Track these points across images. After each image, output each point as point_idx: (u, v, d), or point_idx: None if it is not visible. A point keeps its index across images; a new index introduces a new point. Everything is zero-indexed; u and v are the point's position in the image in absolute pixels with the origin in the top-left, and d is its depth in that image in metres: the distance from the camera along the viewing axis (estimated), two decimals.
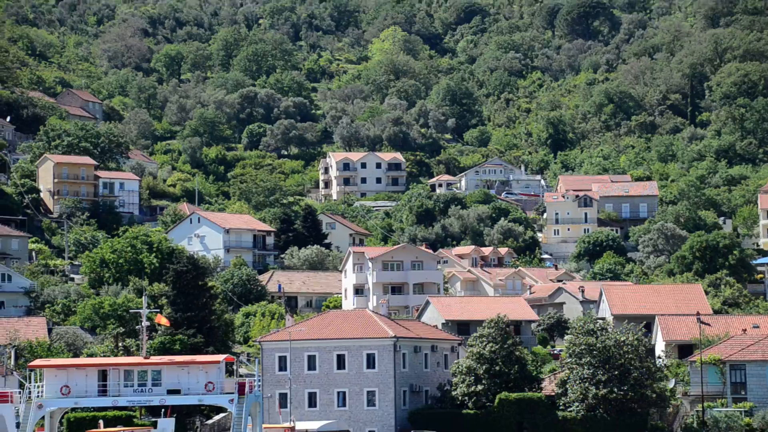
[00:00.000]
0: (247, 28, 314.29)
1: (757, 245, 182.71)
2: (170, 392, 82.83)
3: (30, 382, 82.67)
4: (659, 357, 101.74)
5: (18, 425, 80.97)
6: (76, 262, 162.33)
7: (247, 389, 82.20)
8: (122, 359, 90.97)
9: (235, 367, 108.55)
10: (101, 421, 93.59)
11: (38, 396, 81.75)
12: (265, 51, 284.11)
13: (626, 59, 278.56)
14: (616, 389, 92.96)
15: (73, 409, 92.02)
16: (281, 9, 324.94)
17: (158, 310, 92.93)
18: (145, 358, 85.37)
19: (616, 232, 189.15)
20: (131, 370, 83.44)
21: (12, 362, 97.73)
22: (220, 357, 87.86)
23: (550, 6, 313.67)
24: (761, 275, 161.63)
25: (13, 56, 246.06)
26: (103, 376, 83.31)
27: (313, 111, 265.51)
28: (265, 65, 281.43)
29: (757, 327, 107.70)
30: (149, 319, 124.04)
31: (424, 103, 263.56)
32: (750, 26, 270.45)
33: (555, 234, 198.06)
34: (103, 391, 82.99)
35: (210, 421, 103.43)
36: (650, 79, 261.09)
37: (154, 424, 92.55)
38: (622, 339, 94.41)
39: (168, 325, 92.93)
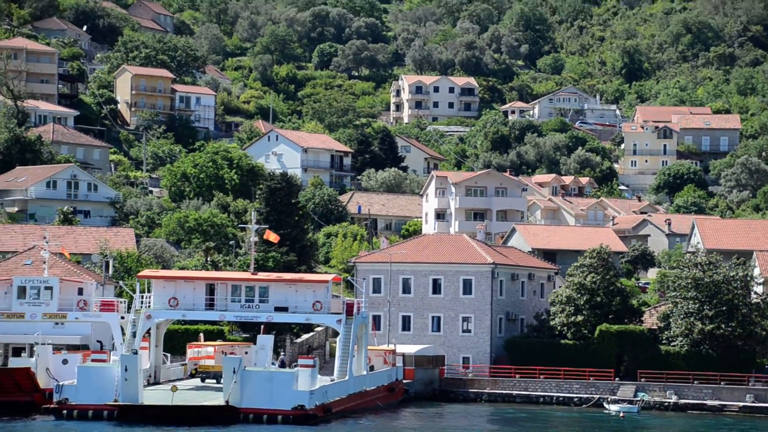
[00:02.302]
0: None
1: None
2: (277, 309, 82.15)
3: (137, 293, 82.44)
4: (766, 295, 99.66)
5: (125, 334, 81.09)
6: (154, 175, 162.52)
7: (355, 310, 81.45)
8: (230, 274, 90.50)
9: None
10: (201, 335, 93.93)
11: (147, 306, 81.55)
12: None
13: None
14: (723, 325, 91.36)
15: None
16: None
17: (267, 227, 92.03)
18: (253, 273, 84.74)
19: (698, 164, 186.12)
20: (239, 285, 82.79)
21: (110, 272, 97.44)
22: (329, 276, 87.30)
23: None
24: None
25: None
26: (210, 290, 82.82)
27: (385, 32, 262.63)
28: None
29: None
30: (231, 233, 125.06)
31: (496, 27, 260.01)
32: None
33: (632, 165, 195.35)
34: (210, 305, 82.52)
35: (299, 340, 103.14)
36: (731, 10, 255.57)
37: (252, 340, 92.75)
38: (731, 274, 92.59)
39: (277, 241, 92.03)
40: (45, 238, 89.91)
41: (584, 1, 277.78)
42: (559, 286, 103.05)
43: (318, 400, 74.93)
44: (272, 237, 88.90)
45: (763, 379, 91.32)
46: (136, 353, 75.68)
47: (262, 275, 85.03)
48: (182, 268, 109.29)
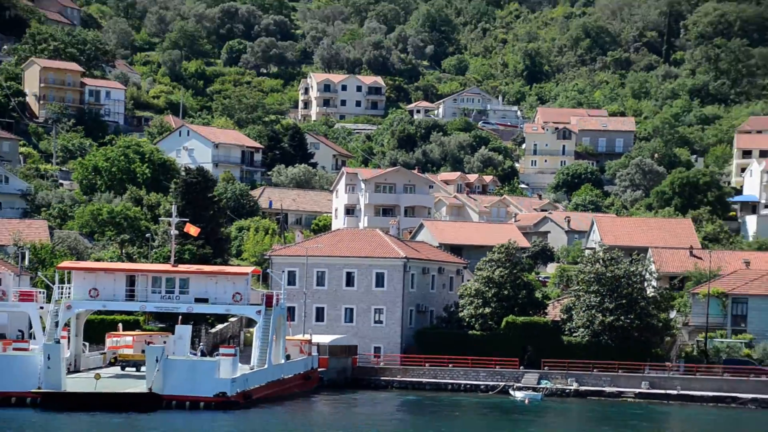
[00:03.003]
0: None
1: (728, 183, 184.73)
2: (198, 300, 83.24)
3: (56, 283, 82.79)
4: (666, 288, 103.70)
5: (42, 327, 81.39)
6: (65, 168, 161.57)
7: (274, 301, 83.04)
8: (150, 266, 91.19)
9: None
10: (120, 324, 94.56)
11: (67, 297, 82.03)
12: None
13: None
14: (622, 317, 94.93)
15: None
16: None
17: (186, 220, 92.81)
18: (173, 265, 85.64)
19: (595, 164, 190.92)
20: (159, 276, 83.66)
21: (26, 263, 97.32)
22: (249, 269, 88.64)
23: None
24: (734, 212, 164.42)
25: None
26: (131, 281, 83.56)
27: (293, 30, 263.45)
28: None
29: (747, 262, 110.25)
30: (147, 227, 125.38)
31: (403, 28, 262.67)
32: None
33: (532, 164, 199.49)
34: (130, 296, 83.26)
35: (213, 330, 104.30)
36: (627, 15, 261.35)
37: (168, 330, 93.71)
38: (631, 269, 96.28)
39: (197, 234, 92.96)
40: None
41: (488, 3, 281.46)
42: (467, 280, 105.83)
43: (239, 387, 76.45)
44: (192, 230, 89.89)
45: (657, 367, 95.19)
46: (58, 342, 76.35)
47: (182, 267, 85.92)
48: (98, 260, 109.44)
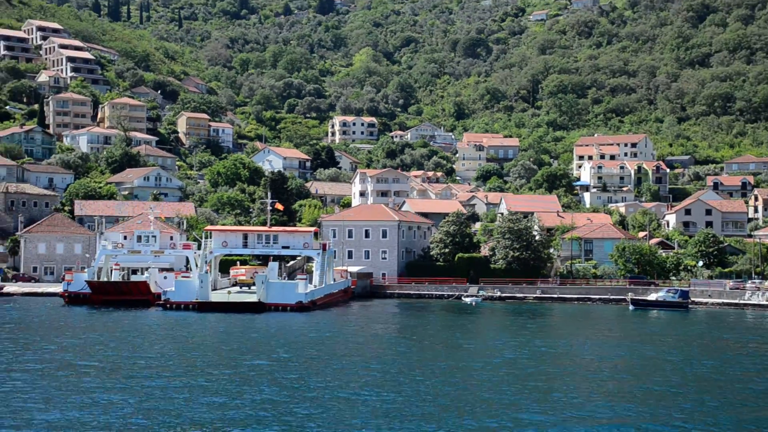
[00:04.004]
0: (284, 44, 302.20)
1: (573, 174, 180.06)
2: (284, 247, 79.69)
3: (203, 239, 79.03)
4: (546, 235, 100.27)
5: (195, 264, 77.70)
6: (201, 173, 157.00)
7: (327, 247, 79.31)
8: (255, 227, 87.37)
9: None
10: (238, 262, 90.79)
11: (209, 246, 78.21)
12: (296, 59, 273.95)
13: (496, 70, 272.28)
14: (523, 252, 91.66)
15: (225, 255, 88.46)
16: (303, 35, 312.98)
17: (276, 201, 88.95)
18: (269, 227, 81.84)
19: (498, 165, 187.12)
20: (261, 234, 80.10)
21: (184, 227, 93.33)
22: (312, 229, 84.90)
23: (453, 39, 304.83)
24: (577, 191, 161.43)
25: (158, 58, 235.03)
26: (245, 236, 79.90)
27: (324, 92, 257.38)
28: (296, 66, 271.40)
29: (590, 219, 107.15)
30: (256, 205, 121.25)
31: (385, 90, 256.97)
32: (563, 54, 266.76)
33: (463, 166, 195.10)
34: (245, 245, 79.68)
35: (288, 264, 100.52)
36: (510, 81, 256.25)
37: (265, 265, 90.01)
38: (528, 225, 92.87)
39: (282, 209, 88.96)
40: (151, 208, 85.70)
41: (432, 75, 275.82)
42: (434, 233, 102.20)
43: (309, 298, 73.19)
44: (279, 206, 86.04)
45: (545, 281, 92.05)
46: (206, 273, 72.71)
47: (273, 228, 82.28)
48: (223, 225, 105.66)
